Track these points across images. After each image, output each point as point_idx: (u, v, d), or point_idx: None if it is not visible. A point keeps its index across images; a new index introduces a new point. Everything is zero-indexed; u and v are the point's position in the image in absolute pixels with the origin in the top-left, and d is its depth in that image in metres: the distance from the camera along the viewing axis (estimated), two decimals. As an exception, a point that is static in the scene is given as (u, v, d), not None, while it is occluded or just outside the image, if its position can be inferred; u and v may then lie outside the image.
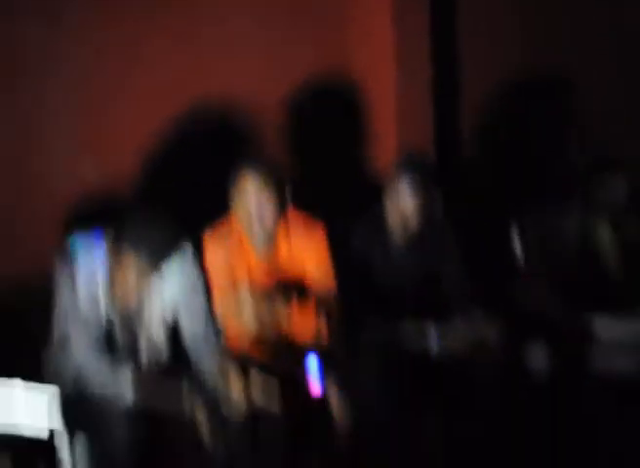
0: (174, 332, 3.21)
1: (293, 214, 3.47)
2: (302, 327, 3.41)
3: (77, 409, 2.98)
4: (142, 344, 3.14)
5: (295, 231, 3.46)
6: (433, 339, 3.48)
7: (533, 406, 3.15)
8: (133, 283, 2.99)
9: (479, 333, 3.47)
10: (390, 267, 3.62)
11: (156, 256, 2.94)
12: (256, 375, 3.10)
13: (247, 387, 3.07)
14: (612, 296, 3.65)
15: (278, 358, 3.33)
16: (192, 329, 3.18)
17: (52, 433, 2.29)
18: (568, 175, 4.02)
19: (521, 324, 3.61)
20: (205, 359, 3.15)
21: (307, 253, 3.46)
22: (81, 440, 2.89)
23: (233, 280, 3.38)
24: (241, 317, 3.33)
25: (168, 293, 3.14)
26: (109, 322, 3.06)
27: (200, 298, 3.20)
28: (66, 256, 3.01)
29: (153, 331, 3.15)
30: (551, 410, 3.09)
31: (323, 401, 3.20)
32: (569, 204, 3.71)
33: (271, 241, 3.43)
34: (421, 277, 3.66)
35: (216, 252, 3.40)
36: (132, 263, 2.94)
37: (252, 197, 3.37)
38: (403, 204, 3.55)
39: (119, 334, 3.09)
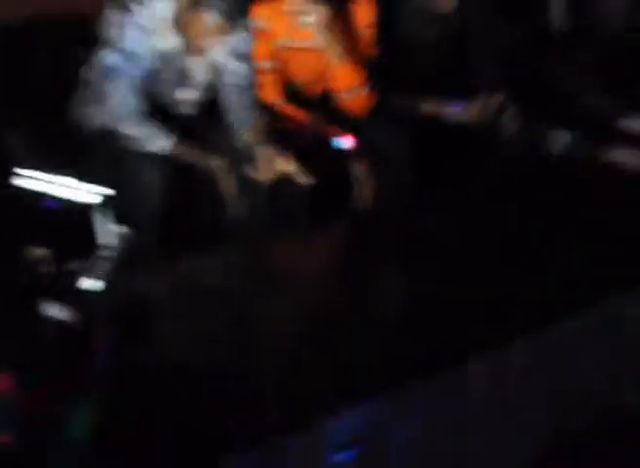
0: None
1: None
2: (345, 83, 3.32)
3: (103, 153, 2.95)
4: (186, 93, 3.09)
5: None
6: (454, 111, 3.45)
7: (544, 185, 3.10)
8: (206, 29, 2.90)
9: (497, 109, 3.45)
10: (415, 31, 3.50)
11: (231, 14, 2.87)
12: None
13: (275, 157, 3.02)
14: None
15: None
16: (239, 69, 3.09)
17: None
18: None
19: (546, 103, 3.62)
20: (241, 113, 3.09)
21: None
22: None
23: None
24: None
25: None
26: (157, 68, 2.98)
27: (247, 37, 3.08)
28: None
29: (198, 73, 3.08)
30: (563, 193, 3.05)
31: (347, 165, 3.18)
32: None
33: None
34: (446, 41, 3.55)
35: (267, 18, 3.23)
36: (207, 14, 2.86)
37: None
38: None
39: (166, 81, 3.03)
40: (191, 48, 2.98)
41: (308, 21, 3.21)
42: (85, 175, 2.06)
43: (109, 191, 1.90)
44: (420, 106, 3.45)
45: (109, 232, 1.91)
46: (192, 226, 2.99)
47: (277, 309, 2.27)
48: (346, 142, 3.21)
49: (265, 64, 3.23)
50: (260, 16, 3.19)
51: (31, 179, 1.95)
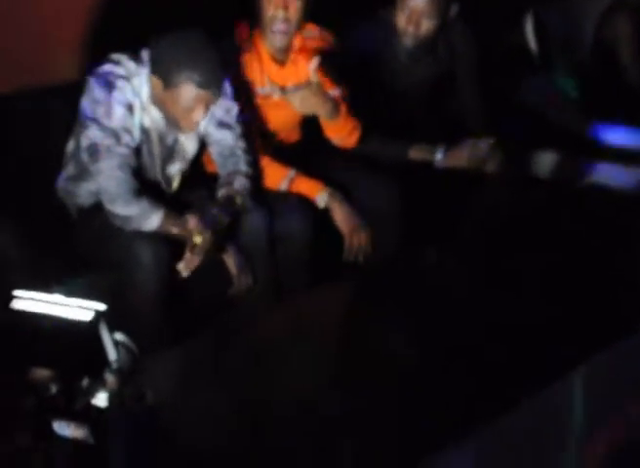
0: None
1: (309, 25, 3.29)
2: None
3: (95, 233, 2.95)
4: (174, 167, 3.08)
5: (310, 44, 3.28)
6: (439, 155, 3.42)
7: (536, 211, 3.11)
8: (188, 105, 2.87)
9: (485, 152, 3.41)
10: (400, 73, 3.49)
11: (212, 79, 2.85)
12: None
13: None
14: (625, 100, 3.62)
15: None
16: (222, 138, 3.07)
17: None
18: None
19: (530, 129, 3.62)
20: (235, 173, 3.06)
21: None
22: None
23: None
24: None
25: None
26: (143, 144, 2.97)
27: (233, 107, 3.08)
28: (101, 73, 2.90)
29: (188, 146, 3.08)
30: (553, 217, 3.05)
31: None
32: None
33: (288, 51, 3.25)
34: (432, 83, 3.56)
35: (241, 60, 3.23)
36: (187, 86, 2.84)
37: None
38: (414, 2, 3.35)
39: (155, 157, 3.02)
40: (178, 124, 2.95)
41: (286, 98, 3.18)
42: (78, 290, 2.06)
43: (102, 305, 1.89)
44: (406, 152, 3.43)
45: (110, 344, 1.91)
46: (196, 307, 2.99)
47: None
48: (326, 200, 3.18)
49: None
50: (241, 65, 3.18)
51: (26, 300, 1.94)
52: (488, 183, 3.40)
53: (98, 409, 1.88)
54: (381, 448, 2.01)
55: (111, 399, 1.89)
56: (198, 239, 2.88)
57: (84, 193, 3.01)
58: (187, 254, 2.89)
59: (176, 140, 3.04)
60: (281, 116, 3.30)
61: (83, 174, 2.98)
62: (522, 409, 2.16)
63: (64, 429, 1.90)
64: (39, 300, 1.91)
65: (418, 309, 2.58)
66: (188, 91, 2.84)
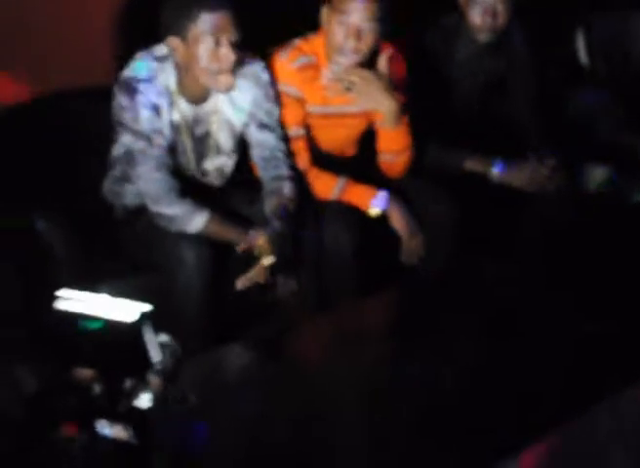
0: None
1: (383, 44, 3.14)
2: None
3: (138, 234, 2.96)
4: (210, 162, 3.06)
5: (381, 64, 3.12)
6: (496, 169, 3.35)
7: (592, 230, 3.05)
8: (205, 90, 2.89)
9: (546, 176, 3.33)
10: (461, 76, 3.43)
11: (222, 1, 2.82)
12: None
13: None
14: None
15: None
16: (264, 139, 3.05)
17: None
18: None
19: (580, 144, 3.57)
20: (268, 185, 3.04)
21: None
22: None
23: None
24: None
25: (240, 101, 3.02)
26: (176, 141, 2.96)
27: (275, 110, 3.06)
28: (123, 80, 2.89)
29: (220, 138, 3.05)
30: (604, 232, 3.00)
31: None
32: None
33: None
34: (489, 87, 3.48)
35: (290, 73, 3.11)
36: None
37: (354, 20, 2.99)
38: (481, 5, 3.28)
39: (187, 152, 3.01)
40: (211, 86, 2.92)
41: (350, 86, 3.09)
42: (124, 291, 2.07)
43: (147, 306, 1.90)
44: (462, 163, 3.38)
45: (155, 346, 1.91)
46: (239, 310, 2.99)
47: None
48: (381, 204, 3.15)
49: (295, 132, 3.14)
50: (290, 83, 3.11)
51: (72, 300, 1.95)
52: (541, 198, 3.36)
53: (140, 411, 1.89)
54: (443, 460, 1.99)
55: (154, 400, 1.89)
56: (268, 260, 2.87)
57: (129, 194, 3.03)
58: (252, 272, 2.88)
59: (207, 133, 3.04)
60: (341, 134, 3.27)
61: (126, 176, 3.00)
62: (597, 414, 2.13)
63: (107, 429, 1.91)
64: (85, 300, 1.93)
65: (473, 319, 2.56)
66: (205, 22, 2.81)
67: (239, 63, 2.91)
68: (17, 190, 3.03)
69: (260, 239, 2.88)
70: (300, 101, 3.14)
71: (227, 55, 2.85)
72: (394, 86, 3.13)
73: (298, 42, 3.15)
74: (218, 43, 2.84)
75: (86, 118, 3.14)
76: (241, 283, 2.89)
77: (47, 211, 2.96)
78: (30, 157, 3.05)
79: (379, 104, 3.12)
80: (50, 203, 2.99)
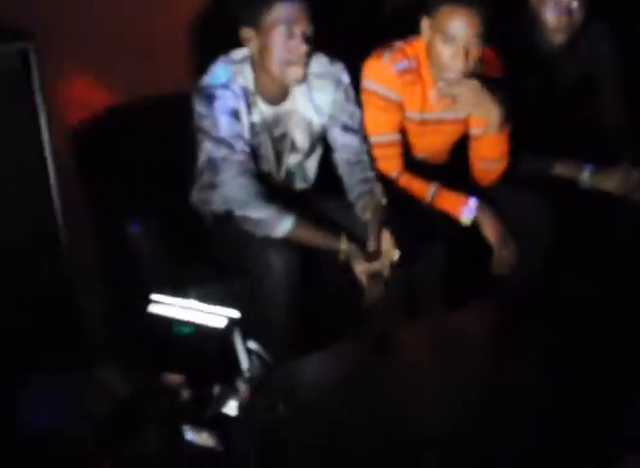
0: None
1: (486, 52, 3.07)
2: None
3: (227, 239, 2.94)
4: (285, 161, 3.05)
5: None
6: (586, 174, 3.25)
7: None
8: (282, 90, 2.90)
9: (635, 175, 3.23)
10: (546, 77, 3.33)
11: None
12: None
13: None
14: None
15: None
16: (348, 142, 3.04)
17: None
18: None
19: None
20: (354, 188, 3.02)
21: None
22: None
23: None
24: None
25: (320, 102, 3.01)
26: (256, 142, 2.95)
27: (357, 112, 3.04)
28: (200, 88, 2.88)
29: (297, 137, 3.03)
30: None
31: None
32: None
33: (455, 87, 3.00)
34: (573, 86, 3.39)
35: (391, 77, 3.03)
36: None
37: (460, 40, 2.91)
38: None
39: (268, 153, 3.00)
40: (287, 78, 2.90)
41: (454, 92, 3.02)
42: (214, 296, 2.07)
43: (237, 313, 1.89)
44: (553, 167, 3.29)
45: (244, 353, 1.90)
46: (327, 317, 2.97)
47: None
48: (472, 212, 3.07)
49: (392, 137, 3.10)
50: (390, 86, 3.05)
51: (164, 305, 1.95)
52: (630, 205, 3.27)
53: (228, 418, 1.88)
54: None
55: (242, 408, 1.88)
56: (395, 254, 2.83)
57: (217, 201, 3.03)
58: (379, 265, 2.85)
59: (285, 134, 3.02)
60: (437, 140, 3.22)
61: (212, 183, 2.99)
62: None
63: (194, 435, 1.90)
64: (176, 305, 1.93)
65: (567, 330, 2.50)
66: (278, 11, 2.79)
67: (314, 60, 2.91)
68: (111, 195, 3.06)
69: (385, 235, 2.85)
70: (399, 106, 3.09)
71: (299, 46, 2.84)
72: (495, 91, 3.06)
73: (400, 44, 3.08)
74: (290, 34, 2.82)
75: (179, 125, 3.16)
76: (367, 300, 2.87)
77: (139, 216, 2.98)
78: (124, 163, 3.09)
79: (487, 112, 3.05)
80: (142, 209, 3.02)
